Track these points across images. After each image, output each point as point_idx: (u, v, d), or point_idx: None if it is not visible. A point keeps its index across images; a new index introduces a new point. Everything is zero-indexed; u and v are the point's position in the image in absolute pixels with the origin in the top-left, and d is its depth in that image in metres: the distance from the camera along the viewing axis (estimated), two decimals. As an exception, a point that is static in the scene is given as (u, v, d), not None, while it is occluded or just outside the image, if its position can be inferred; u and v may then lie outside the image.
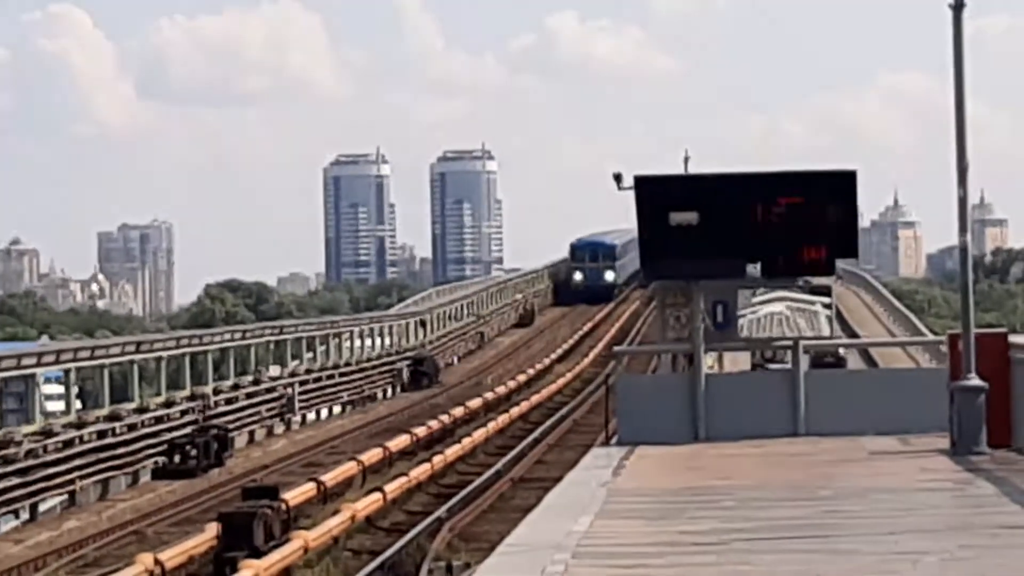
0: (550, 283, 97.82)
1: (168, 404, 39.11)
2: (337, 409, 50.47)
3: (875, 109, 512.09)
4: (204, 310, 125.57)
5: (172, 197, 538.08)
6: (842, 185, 25.64)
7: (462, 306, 77.49)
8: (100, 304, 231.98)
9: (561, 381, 55.63)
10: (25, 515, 30.87)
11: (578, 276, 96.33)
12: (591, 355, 63.32)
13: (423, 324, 67.34)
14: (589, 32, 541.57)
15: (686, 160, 42.98)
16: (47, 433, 32.32)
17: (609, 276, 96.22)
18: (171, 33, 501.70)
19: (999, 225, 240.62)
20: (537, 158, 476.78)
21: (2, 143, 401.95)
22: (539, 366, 60.62)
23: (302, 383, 47.88)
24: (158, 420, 38.45)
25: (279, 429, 44.75)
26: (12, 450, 30.29)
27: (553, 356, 64.48)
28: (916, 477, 20.48)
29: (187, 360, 42.83)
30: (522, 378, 56.57)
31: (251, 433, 42.87)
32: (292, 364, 49.75)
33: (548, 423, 44.08)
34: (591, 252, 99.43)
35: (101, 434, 34.45)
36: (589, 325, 77.47)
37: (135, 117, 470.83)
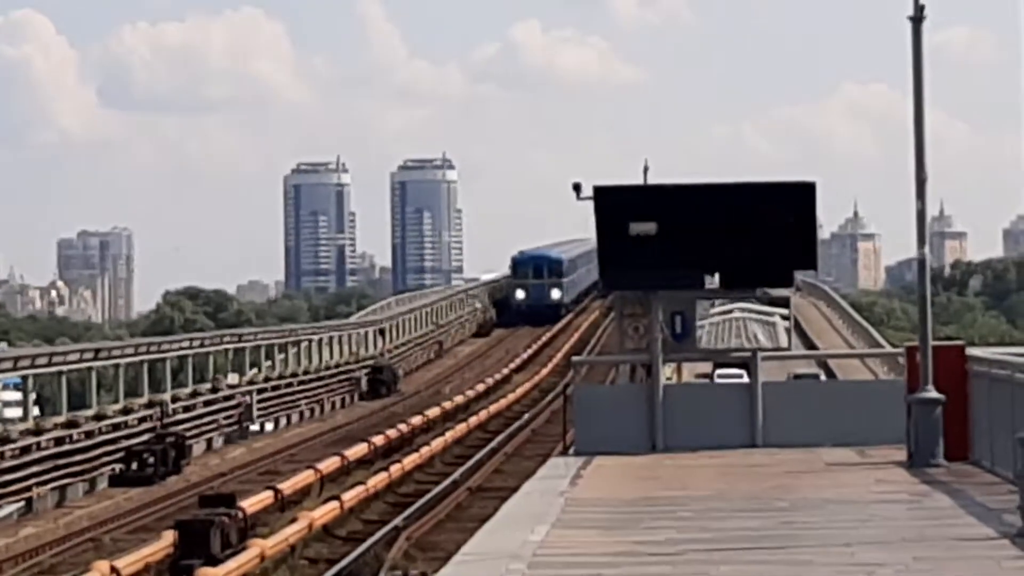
0: (489, 302, 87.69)
1: (126, 411, 39.47)
2: (295, 418, 51.46)
3: (837, 122, 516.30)
4: (163, 317, 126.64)
5: (132, 204, 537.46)
6: (801, 197, 25.87)
7: (421, 315, 77.40)
8: (59, 311, 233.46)
9: (520, 391, 55.88)
10: None
11: (520, 294, 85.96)
12: (550, 365, 63.46)
13: (382, 333, 67.52)
14: (552, 42, 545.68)
15: (645, 170, 43.01)
16: (4, 439, 32.82)
17: (555, 294, 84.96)
18: (133, 40, 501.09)
19: (958, 238, 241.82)
20: (499, 168, 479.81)
21: None
22: (498, 376, 60.59)
23: (260, 391, 48.41)
24: (116, 427, 38.85)
25: (237, 437, 46.22)
26: None
27: (512, 366, 64.57)
28: (873, 489, 20.60)
29: (145, 367, 42.89)
30: (481, 388, 56.92)
31: (209, 441, 43.31)
32: (251, 372, 50.01)
33: (506, 433, 44.43)
34: (535, 267, 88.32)
35: (58, 441, 34.82)
36: (548, 335, 77.04)
37: (97, 124, 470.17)
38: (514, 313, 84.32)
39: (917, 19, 20.59)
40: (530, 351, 69.41)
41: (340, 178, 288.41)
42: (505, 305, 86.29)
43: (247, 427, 46.73)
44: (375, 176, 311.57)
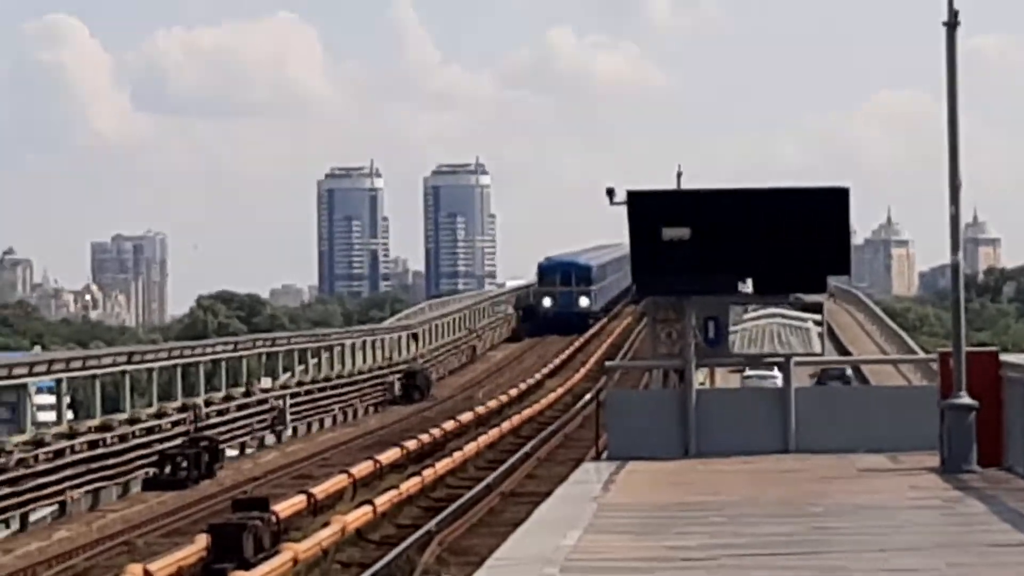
0: (514, 311, 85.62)
1: (159, 415, 39.45)
2: (328, 422, 51.80)
3: (870, 128, 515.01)
4: (196, 321, 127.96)
5: (167, 208, 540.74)
6: (834, 202, 26.22)
7: (455, 320, 76.74)
8: (93, 315, 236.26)
9: (552, 396, 56.00)
10: (15, 525, 31.01)
11: (547, 302, 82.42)
12: (583, 370, 63.02)
13: (415, 337, 67.40)
14: (586, 47, 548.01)
15: (679, 176, 43.50)
16: (38, 443, 32.55)
17: (583, 302, 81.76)
18: (168, 44, 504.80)
19: (992, 244, 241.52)
20: (533, 173, 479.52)
21: None
22: (531, 381, 60.87)
23: (293, 395, 48.61)
24: (149, 431, 38.92)
25: (270, 441, 46.08)
26: (3, 460, 30.71)
27: (545, 371, 64.49)
28: (906, 495, 20.62)
29: (179, 371, 43.61)
30: (513, 392, 57.06)
31: (242, 445, 43.63)
32: (284, 376, 50.33)
33: (539, 437, 44.54)
34: (563, 274, 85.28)
35: (92, 444, 34.75)
36: (581, 340, 76.59)
37: (131, 128, 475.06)
38: (541, 321, 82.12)
39: (952, 24, 20.48)
40: (563, 356, 69.10)
41: (373, 183, 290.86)
42: (532, 313, 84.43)
43: (280, 431, 47.45)
44: (408, 181, 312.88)
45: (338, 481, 34.38)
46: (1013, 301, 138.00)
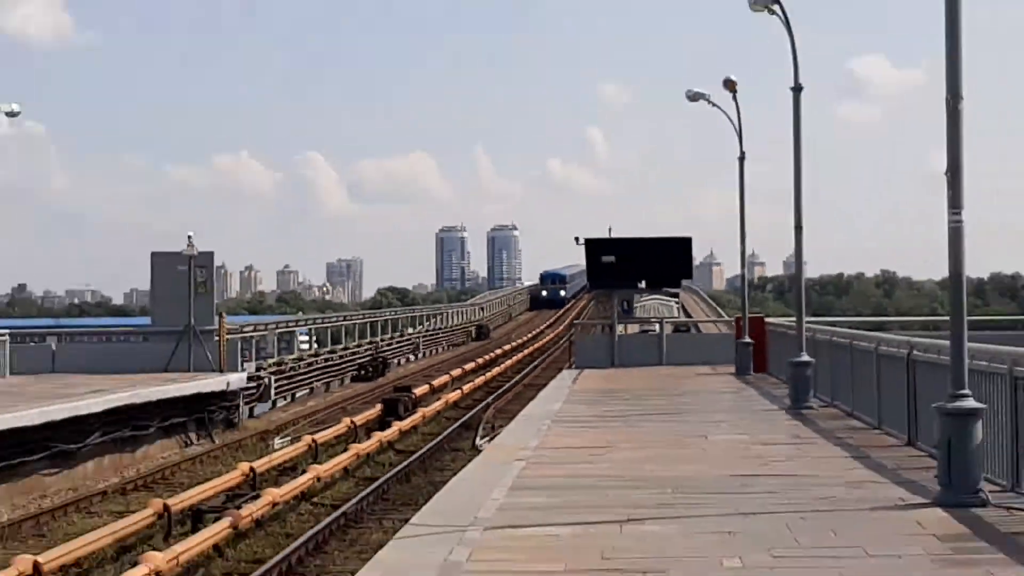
0: (527, 296, 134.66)
1: (359, 346, 57.53)
2: (440, 350, 72.54)
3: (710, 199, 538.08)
4: (377, 301, 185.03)
5: (369, 246, 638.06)
6: (683, 243, 39.77)
7: (500, 300, 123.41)
8: (327, 297, 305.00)
9: (548, 338, 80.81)
10: (290, 399, 44.22)
11: (544, 292, 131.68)
12: (562, 326, 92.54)
13: (481, 309, 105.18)
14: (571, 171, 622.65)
15: (609, 230, 60.93)
16: (300, 359, 48.20)
17: (562, 293, 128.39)
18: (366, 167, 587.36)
19: (762, 265, 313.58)
20: (543, 229, 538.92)
21: (276, 223, 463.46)
22: (536, 331, 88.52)
23: (423, 337, 72.60)
24: (354, 354, 55.95)
25: (412, 359, 65.49)
26: (283, 367, 44.97)
27: (543, 326, 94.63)
28: (718, 385, 30.67)
29: (368, 325, 63.64)
30: (528, 335, 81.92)
31: (398, 360, 62.16)
32: (418, 328, 75.71)
33: (543, 357, 63.27)
34: (552, 278, 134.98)
35: (327, 360, 51.17)
36: (560, 312, 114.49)
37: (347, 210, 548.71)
38: (541, 302, 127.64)
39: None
40: (552, 319, 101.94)
41: (463, 234, 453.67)
42: (536, 298, 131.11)
43: (417, 354, 67.08)
44: (479, 233, 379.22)
45: (444, 378, 47.61)
46: (770, 292, 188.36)
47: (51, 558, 16.22)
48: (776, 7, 23.68)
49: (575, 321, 79.86)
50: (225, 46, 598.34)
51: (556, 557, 10.50)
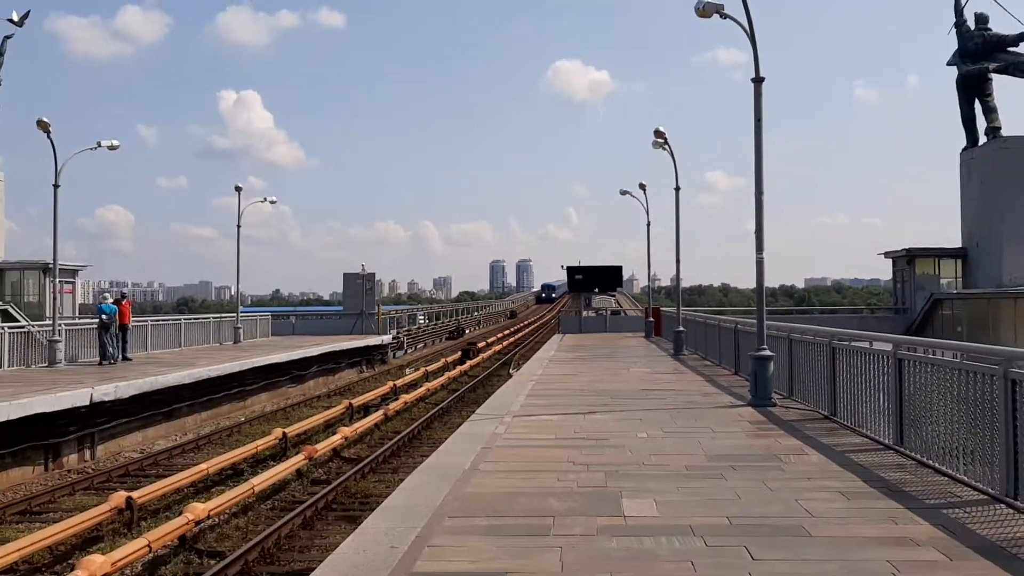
0: (534, 296, 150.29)
1: (449, 321, 66.37)
2: (491, 325, 77.98)
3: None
4: (459, 299, 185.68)
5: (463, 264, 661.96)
6: (617, 269, 45.20)
7: (523, 297, 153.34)
8: (433, 296, 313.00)
9: (547, 317, 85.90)
10: (413, 349, 47.44)
11: (543, 294, 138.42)
12: (555, 311, 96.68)
13: (512, 301, 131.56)
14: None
15: (579, 261, 70.79)
16: (419, 328, 55.55)
17: (553, 295, 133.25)
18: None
19: (663, 277, 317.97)
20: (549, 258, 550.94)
21: (406, 257, 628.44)
22: (540, 315, 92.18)
23: (483, 316, 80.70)
24: (444, 325, 62.41)
25: (475, 329, 69.12)
26: (411, 332, 51.05)
27: (544, 312, 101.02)
28: (635, 343, 33.09)
29: (453, 310, 75.49)
30: (534, 318, 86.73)
31: (469, 329, 66.99)
32: (479, 312, 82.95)
33: (543, 328, 69.27)
34: (547, 287, 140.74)
35: (433, 328, 59.32)
36: (552, 307, 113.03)
37: (443, 251, 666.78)
38: (541, 300, 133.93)
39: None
40: (548, 309, 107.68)
41: (503, 264, 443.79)
42: (539, 298, 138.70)
43: (479, 325, 72.22)
44: (512, 263, 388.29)
45: (493, 338, 51.56)
46: (664, 295, 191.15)
47: (292, 431, 17.36)
48: (666, 147, 23.90)
49: (560, 310, 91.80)
50: (380, 166, 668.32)
51: (549, 431, 12.45)
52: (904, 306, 44.57)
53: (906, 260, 44.37)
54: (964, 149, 43.90)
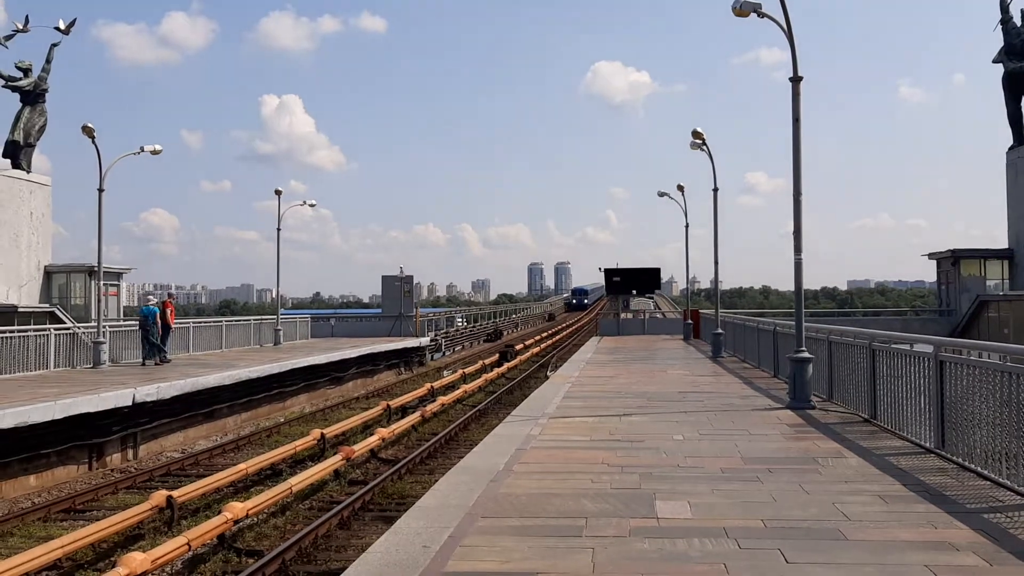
0: (564, 303, 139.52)
1: (487, 323, 66.67)
2: (529, 329, 77.88)
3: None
4: (497, 301, 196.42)
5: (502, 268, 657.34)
6: (656, 271, 45.34)
7: (560, 299, 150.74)
8: (471, 299, 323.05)
9: (583, 321, 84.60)
10: (451, 351, 47.22)
11: (574, 301, 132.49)
12: (591, 315, 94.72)
13: (551, 304, 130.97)
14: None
15: (617, 264, 60.34)
16: (457, 330, 55.36)
17: (585, 301, 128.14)
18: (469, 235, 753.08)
19: (702, 279, 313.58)
20: (589, 262, 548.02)
21: (446, 260, 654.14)
22: (577, 317, 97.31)
23: (521, 320, 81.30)
24: (481, 328, 62.28)
25: (513, 332, 69.93)
26: (448, 334, 50.33)
27: (583, 314, 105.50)
28: (673, 345, 33.08)
29: (492, 313, 74.80)
30: (571, 320, 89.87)
31: (507, 331, 67.19)
32: (519, 314, 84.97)
33: (580, 330, 69.12)
34: (578, 292, 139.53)
35: (471, 330, 59.35)
36: (585, 313, 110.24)
37: (482, 253, 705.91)
38: (572, 306, 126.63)
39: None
40: (582, 315, 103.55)
41: (541, 266, 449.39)
42: (569, 303, 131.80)
43: (517, 327, 73.89)
44: (550, 266, 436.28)
45: (531, 340, 51.59)
46: (703, 297, 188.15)
47: (330, 431, 17.41)
48: (704, 147, 23.63)
49: (598, 313, 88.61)
50: (420, 169, 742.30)
51: (584, 432, 12.46)
52: (949, 308, 44.21)
53: (951, 261, 44.24)
54: (1011, 148, 43.54)
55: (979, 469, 8.38)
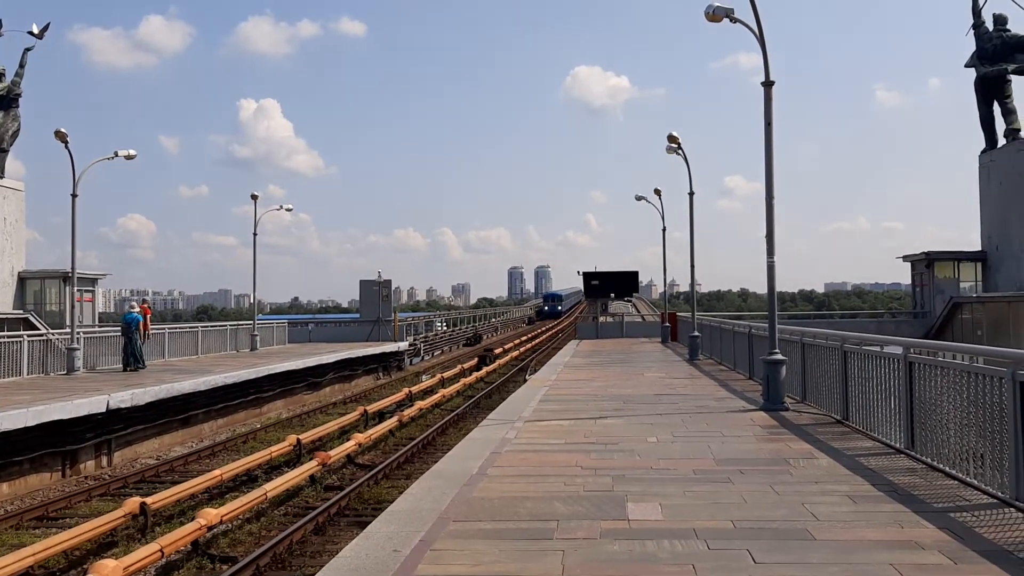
0: (534, 310, 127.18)
1: (467, 327, 65.31)
2: (508, 332, 78.45)
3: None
4: (477, 305, 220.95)
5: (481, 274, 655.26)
6: (634, 274, 46.00)
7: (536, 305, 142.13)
8: (451, 303, 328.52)
9: (562, 325, 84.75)
10: (430, 355, 47.65)
11: (546, 307, 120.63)
12: (568, 320, 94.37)
13: (531, 307, 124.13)
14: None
15: (595, 267, 71.97)
16: (436, 334, 55.35)
17: (558, 307, 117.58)
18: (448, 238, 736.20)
19: (679, 283, 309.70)
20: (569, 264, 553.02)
21: (425, 264, 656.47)
22: (555, 322, 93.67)
23: (500, 323, 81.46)
24: (460, 333, 61.47)
25: (493, 335, 70.54)
26: (427, 338, 49.94)
27: (555, 324, 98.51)
28: (650, 348, 33.76)
29: (471, 317, 72.09)
30: (551, 323, 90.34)
31: (487, 335, 67.37)
32: (498, 318, 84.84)
33: (560, 335, 69.94)
34: (551, 297, 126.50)
35: (450, 335, 59.13)
36: (561, 320, 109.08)
37: (462, 257, 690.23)
38: (543, 314, 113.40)
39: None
40: (558, 321, 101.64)
41: (521, 270, 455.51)
42: (540, 311, 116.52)
43: (497, 331, 73.85)
44: (530, 270, 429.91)
45: (511, 344, 51.40)
46: (681, 300, 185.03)
47: (307, 437, 17.30)
48: (680, 151, 23.46)
49: (578, 318, 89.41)
50: (399, 173, 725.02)
51: (559, 436, 12.43)
52: (923, 310, 44.53)
53: (925, 264, 44.58)
54: (983, 151, 43.87)
55: (947, 469, 8.47)
